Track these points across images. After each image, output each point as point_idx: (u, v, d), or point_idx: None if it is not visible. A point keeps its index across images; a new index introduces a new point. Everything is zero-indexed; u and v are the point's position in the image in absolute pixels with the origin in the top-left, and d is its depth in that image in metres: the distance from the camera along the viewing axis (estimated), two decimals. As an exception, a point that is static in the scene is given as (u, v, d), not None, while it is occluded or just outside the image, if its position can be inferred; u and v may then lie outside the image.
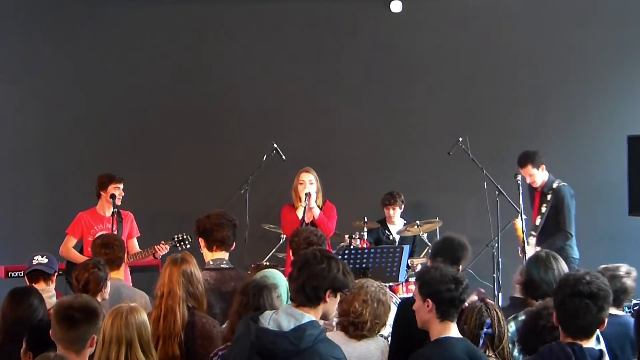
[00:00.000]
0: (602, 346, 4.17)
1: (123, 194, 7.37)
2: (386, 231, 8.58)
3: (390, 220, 8.61)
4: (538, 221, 7.31)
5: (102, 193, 7.35)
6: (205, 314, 4.34)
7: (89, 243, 7.28)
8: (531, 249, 7.24)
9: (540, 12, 9.26)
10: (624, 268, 4.68)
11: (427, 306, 3.66)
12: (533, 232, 7.32)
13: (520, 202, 7.35)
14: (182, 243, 7.24)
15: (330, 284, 3.42)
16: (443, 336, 3.64)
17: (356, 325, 4.25)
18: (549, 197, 7.40)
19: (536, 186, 7.54)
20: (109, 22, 9.39)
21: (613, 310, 4.63)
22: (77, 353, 3.57)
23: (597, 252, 8.44)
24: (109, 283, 4.85)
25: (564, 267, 4.62)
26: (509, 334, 4.26)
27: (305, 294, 3.41)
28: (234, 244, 5.04)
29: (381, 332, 4.40)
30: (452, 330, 3.68)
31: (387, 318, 4.36)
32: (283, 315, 3.39)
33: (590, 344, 3.32)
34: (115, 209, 7.28)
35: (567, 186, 7.52)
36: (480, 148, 8.48)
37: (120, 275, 5.38)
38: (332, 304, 3.49)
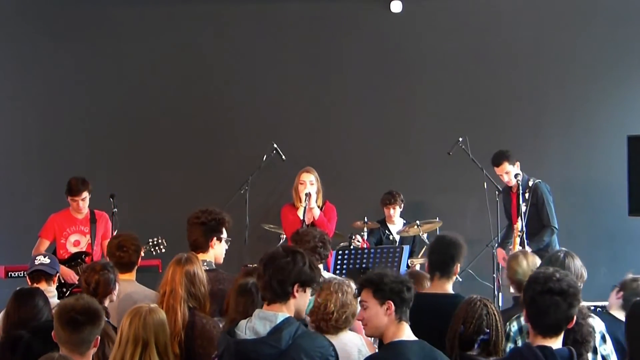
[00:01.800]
0: (609, 345, 4.18)
1: (80, 206, 7.26)
2: (386, 231, 8.58)
3: (390, 219, 8.61)
4: (519, 222, 7.32)
5: (68, 199, 7.34)
6: (206, 315, 4.34)
7: (62, 246, 7.28)
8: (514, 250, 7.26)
9: (540, 12, 9.26)
10: None
11: (388, 309, 3.63)
12: (519, 233, 7.32)
13: (520, 202, 7.35)
14: (156, 248, 7.24)
15: (296, 278, 3.45)
16: (397, 340, 3.61)
17: (325, 319, 4.21)
18: (526, 195, 7.40)
19: (512, 185, 7.50)
20: (109, 22, 9.39)
21: (623, 317, 4.66)
22: (82, 355, 3.58)
23: (597, 252, 8.47)
24: (117, 285, 4.84)
25: (580, 267, 4.62)
26: (512, 334, 4.27)
27: (273, 289, 3.43)
28: (212, 240, 4.93)
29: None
30: (406, 333, 3.65)
31: (356, 306, 4.30)
32: (257, 321, 3.41)
33: (558, 343, 3.34)
34: (115, 209, 7.30)
35: (543, 182, 7.54)
36: (480, 148, 8.48)
37: (132, 278, 5.32)
38: (302, 299, 3.50)
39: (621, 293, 4.88)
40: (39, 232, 7.36)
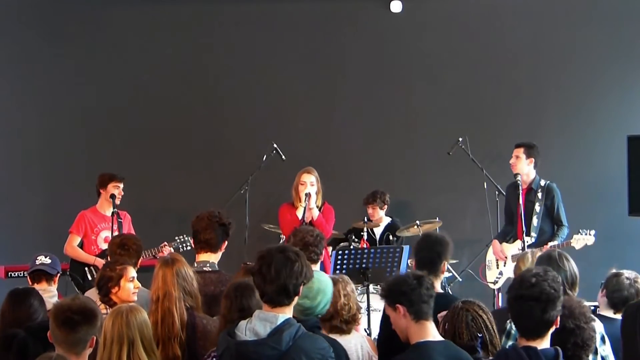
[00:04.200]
0: (608, 347, 4.18)
1: (122, 193, 7.41)
2: (368, 231, 8.50)
3: (373, 217, 8.49)
4: (535, 221, 7.32)
5: (101, 191, 7.43)
6: (205, 315, 4.33)
7: (93, 242, 7.35)
8: (512, 250, 7.30)
9: (540, 12, 9.26)
10: (631, 275, 4.74)
11: (400, 312, 3.64)
12: (533, 233, 7.32)
13: (520, 202, 7.35)
14: (184, 244, 7.31)
15: (304, 279, 3.49)
16: (422, 340, 3.60)
17: (347, 321, 4.25)
18: (539, 194, 7.39)
19: (515, 172, 7.40)
20: (109, 22, 9.40)
21: (611, 314, 4.67)
22: (78, 355, 3.57)
23: (596, 252, 8.43)
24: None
25: (575, 267, 4.63)
26: (513, 331, 4.27)
27: (287, 293, 3.44)
28: (224, 243, 4.92)
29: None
30: (431, 332, 3.64)
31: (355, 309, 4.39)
32: (257, 322, 3.42)
33: (545, 343, 3.34)
34: (115, 209, 7.32)
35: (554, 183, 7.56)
36: (480, 148, 8.49)
37: None
38: (297, 299, 3.56)
39: (604, 291, 4.87)
40: (70, 227, 7.40)
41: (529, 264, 4.79)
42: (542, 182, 7.45)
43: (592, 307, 7.47)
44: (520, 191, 7.25)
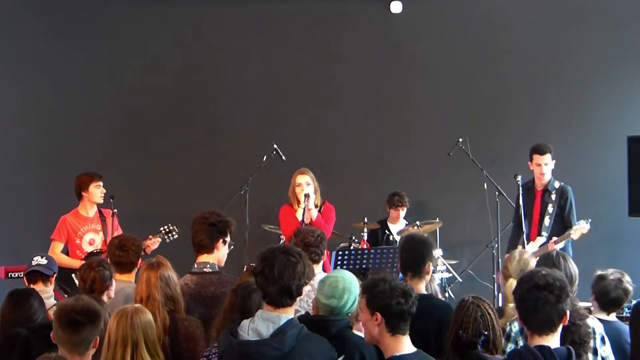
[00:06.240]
0: (608, 347, 4.18)
1: (104, 191, 7.32)
2: (386, 231, 8.56)
3: (396, 220, 8.58)
4: (547, 222, 7.30)
5: (83, 193, 7.29)
6: (186, 316, 4.35)
7: (78, 246, 7.23)
8: (533, 248, 7.26)
9: (540, 12, 9.27)
10: (616, 275, 4.73)
11: (376, 320, 3.56)
12: (544, 233, 7.31)
13: (520, 202, 7.34)
14: (169, 234, 7.24)
15: (306, 279, 3.52)
16: (397, 354, 3.54)
17: None
18: (553, 196, 7.37)
19: (544, 180, 7.43)
20: (109, 22, 9.40)
21: (605, 317, 4.67)
22: (81, 355, 3.59)
23: (596, 252, 8.46)
24: (114, 282, 4.84)
25: (573, 267, 4.63)
26: (513, 334, 4.27)
27: (290, 294, 3.46)
28: (218, 242, 4.88)
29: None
30: (405, 346, 3.58)
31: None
32: (260, 323, 3.43)
33: (555, 340, 3.35)
34: (115, 210, 7.29)
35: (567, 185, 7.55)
36: (480, 148, 8.48)
37: (131, 279, 5.28)
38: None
39: (593, 295, 4.85)
40: (52, 235, 7.26)
41: (515, 263, 4.74)
42: (557, 184, 7.44)
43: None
44: (534, 191, 7.28)
